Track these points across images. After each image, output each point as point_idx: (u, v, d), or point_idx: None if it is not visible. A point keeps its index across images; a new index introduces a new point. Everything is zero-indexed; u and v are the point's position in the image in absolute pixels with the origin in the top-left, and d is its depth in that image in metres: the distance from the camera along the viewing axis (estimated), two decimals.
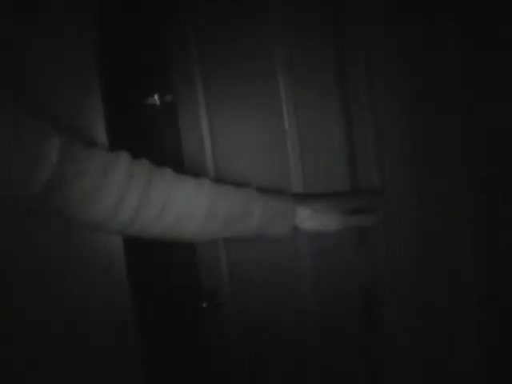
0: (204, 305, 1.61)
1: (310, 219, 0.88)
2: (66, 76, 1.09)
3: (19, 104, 0.70)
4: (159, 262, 1.85)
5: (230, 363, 1.62)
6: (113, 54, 1.71)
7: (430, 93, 1.08)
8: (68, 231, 1.19)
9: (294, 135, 1.22)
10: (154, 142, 1.97)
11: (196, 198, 0.81)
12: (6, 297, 1.15)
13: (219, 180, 0.87)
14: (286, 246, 1.30)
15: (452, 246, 1.10)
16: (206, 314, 1.64)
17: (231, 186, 0.86)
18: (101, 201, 0.75)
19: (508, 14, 0.86)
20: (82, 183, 0.74)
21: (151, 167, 0.81)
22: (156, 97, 1.98)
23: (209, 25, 1.33)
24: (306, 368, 1.49)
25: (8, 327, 1.15)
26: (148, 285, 1.77)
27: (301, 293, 1.46)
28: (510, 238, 0.94)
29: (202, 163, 1.42)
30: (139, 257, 1.51)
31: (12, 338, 1.18)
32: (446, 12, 0.99)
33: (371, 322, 1.28)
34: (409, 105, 1.08)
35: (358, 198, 0.97)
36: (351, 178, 1.17)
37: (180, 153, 1.49)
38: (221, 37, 1.30)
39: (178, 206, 0.80)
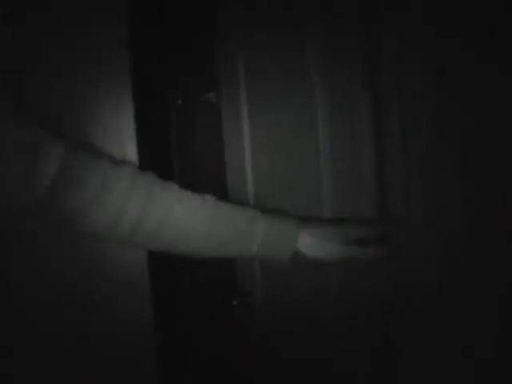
0: (235, 302, 1.64)
1: (311, 246, 0.85)
2: (95, 76, 1.11)
3: (19, 111, 0.70)
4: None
5: (255, 362, 1.65)
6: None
7: (462, 123, 1.07)
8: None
9: (328, 159, 1.24)
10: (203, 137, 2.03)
11: (197, 215, 0.80)
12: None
13: (225, 198, 0.86)
14: None
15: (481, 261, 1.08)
16: (236, 312, 1.67)
17: (236, 205, 0.85)
18: (100, 213, 0.75)
19: None
20: (82, 194, 0.74)
21: (155, 181, 0.80)
22: (213, 94, 2.02)
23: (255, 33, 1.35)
24: (330, 373, 1.51)
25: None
26: (183, 278, 1.82)
27: (327, 302, 1.48)
28: None
29: (241, 167, 1.45)
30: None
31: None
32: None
33: (391, 331, 1.27)
34: (440, 132, 1.07)
35: (367, 227, 0.92)
36: (379, 206, 1.18)
37: (222, 153, 1.53)
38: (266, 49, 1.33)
39: (177, 223, 0.79)
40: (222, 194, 1.62)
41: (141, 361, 1.33)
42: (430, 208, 1.14)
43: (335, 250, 0.86)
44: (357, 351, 1.47)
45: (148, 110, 2.11)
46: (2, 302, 1.12)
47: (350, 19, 1.24)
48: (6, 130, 0.69)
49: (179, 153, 2.27)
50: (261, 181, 1.46)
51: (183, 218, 0.80)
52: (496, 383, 0.99)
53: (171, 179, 0.84)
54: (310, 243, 0.85)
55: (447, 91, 1.09)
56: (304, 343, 1.52)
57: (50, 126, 0.75)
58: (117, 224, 0.77)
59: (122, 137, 1.11)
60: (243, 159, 1.43)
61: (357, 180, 1.23)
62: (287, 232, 0.85)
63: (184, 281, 1.97)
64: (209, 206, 0.82)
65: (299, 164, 1.34)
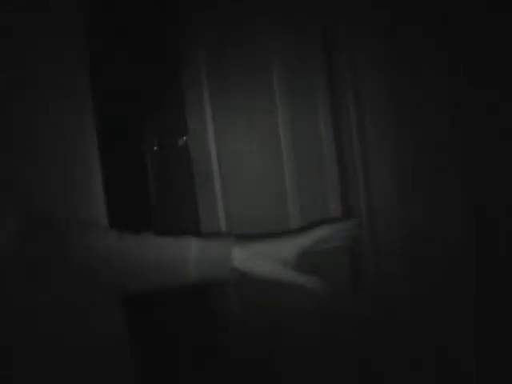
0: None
1: (246, 262, 0.87)
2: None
3: None
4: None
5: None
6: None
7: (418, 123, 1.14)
8: None
9: (292, 166, 1.31)
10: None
11: (135, 252, 0.86)
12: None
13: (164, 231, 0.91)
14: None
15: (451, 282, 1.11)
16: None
17: (169, 236, 0.88)
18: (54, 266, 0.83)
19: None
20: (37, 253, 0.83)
21: (97, 229, 0.89)
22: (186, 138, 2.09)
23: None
24: None
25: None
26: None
27: (304, 332, 1.50)
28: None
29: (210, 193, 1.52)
30: None
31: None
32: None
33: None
34: (397, 131, 1.15)
35: (314, 240, 0.90)
36: (343, 203, 1.24)
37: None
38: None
39: (116, 263, 0.85)
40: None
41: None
42: (393, 215, 1.19)
43: (271, 268, 0.87)
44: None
45: (124, 159, 2.18)
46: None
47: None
48: None
49: (158, 198, 2.33)
50: (233, 218, 1.51)
51: (121, 257, 0.86)
52: None
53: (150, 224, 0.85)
54: (245, 259, 0.87)
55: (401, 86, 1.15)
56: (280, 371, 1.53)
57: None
58: (66, 271, 0.85)
59: (88, 189, 1.12)
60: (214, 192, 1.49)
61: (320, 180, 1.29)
62: (220, 250, 0.87)
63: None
64: (142, 243, 0.87)
65: (268, 189, 1.40)
